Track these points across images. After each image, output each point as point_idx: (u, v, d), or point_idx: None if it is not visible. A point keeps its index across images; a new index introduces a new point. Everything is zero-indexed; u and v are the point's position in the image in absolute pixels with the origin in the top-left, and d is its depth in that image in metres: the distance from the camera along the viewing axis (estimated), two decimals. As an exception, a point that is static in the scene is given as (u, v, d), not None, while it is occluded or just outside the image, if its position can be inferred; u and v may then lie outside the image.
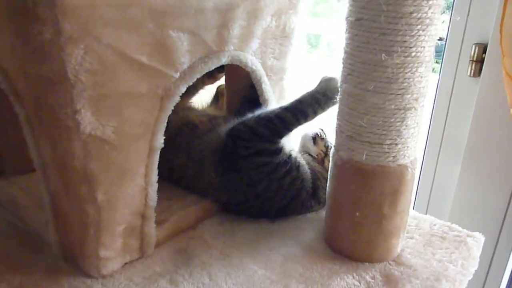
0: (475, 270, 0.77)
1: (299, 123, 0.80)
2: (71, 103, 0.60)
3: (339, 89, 0.70)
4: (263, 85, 0.87)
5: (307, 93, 0.81)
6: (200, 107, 1.07)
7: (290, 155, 0.82)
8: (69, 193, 0.68)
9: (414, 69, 0.63)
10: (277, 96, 0.93)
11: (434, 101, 1.09)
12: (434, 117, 1.10)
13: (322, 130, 0.92)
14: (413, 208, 1.12)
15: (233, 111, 0.96)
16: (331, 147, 0.86)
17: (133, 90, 0.65)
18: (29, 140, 0.69)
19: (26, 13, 0.57)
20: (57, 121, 0.62)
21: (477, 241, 0.81)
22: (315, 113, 0.80)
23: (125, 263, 0.73)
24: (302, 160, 0.85)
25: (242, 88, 0.95)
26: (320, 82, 0.83)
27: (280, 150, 0.81)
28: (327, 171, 0.80)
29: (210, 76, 1.05)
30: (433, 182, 1.13)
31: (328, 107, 0.80)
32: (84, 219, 0.67)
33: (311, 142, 0.91)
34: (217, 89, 1.18)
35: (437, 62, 1.17)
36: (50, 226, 0.73)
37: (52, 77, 0.60)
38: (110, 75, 0.62)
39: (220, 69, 0.98)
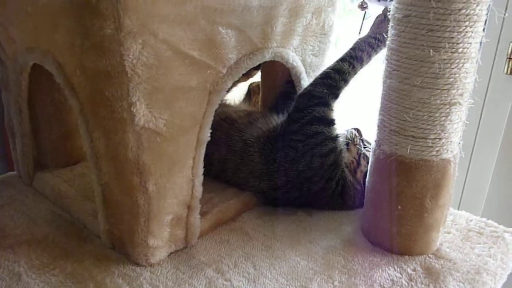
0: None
1: (355, 71, 0.82)
2: (127, 96, 0.63)
3: (383, 83, 0.71)
4: (302, 82, 0.89)
5: (359, 39, 0.84)
6: (233, 104, 1.09)
7: (338, 136, 0.84)
8: (120, 183, 0.70)
9: (461, 65, 0.64)
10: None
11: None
12: (469, 114, 1.10)
13: (357, 130, 0.90)
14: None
15: (268, 107, 0.98)
16: (363, 154, 0.86)
17: (185, 84, 0.68)
18: (83, 132, 0.71)
19: (87, 9, 0.60)
20: (113, 113, 0.65)
21: (514, 237, 0.82)
22: (369, 57, 0.83)
23: (171, 253, 0.75)
24: (344, 148, 0.86)
25: (278, 85, 0.97)
26: (372, 25, 0.85)
27: (333, 121, 0.83)
28: (358, 183, 0.82)
29: (245, 73, 1.07)
30: (466, 178, 1.14)
31: (381, 49, 0.83)
32: (135, 209, 0.69)
33: (345, 147, 0.87)
34: (249, 86, 1.20)
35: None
36: (100, 216, 0.75)
37: (110, 70, 0.62)
38: (164, 69, 0.64)
39: (256, 66, 1.00)
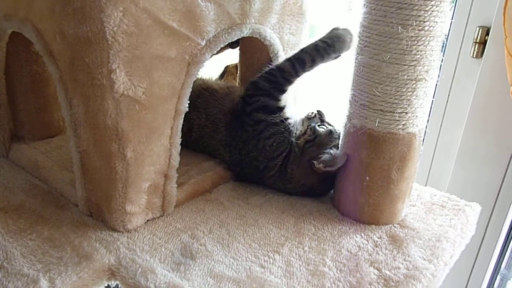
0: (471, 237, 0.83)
1: (297, 73, 0.85)
2: (107, 62, 0.64)
3: (355, 59, 0.74)
4: (279, 59, 0.92)
5: (311, 42, 0.86)
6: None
7: (284, 119, 0.87)
8: (99, 150, 0.72)
9: (427, 43, 0.68)
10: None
11: (438, 80, 1.15)
12: (437, 95, 1.16)
13: (319, 112, 0.92)
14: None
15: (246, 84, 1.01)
16: (312, 127, 0.87)
17: (164, 54, 0.69)
18: (62, 99, 0.72)
19: (68, -25, 0.61)
20: (92, 80, 0.66)
21: (474, 210, 0.87)
22: (313, 61, 0.85)
23: (148, 220, 0.77)
24: (295, 130, 0.88)
25: (256, 63, 0.99)
26: (328, 32, 0.87)
27: (277, 109, 0.87)
28: (302, 152, 0.85)
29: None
30: (433, 156, 1.19)
31: (329, 56, 0.85)
32: (112, 175, 0.71)
33: (301, 121, 0.90)
34: (226, 67, 1.22)
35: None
36: (78, 183, 0.76)
37: (90, 37, 0.63)
38: (144, 38, 0.66)
39: (235, 42, 1.02)
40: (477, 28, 1.05)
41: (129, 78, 0.66)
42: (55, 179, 0.85)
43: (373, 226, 0.79)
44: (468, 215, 0.85)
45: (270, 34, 0.86)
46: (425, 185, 0.97)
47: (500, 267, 1.27)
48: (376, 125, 0.73)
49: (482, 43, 1.05)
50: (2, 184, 0.87)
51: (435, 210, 0.86)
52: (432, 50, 0.69)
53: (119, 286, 0.68)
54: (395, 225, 0.80)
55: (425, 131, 0.79)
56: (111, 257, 0.68)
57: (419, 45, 0.67)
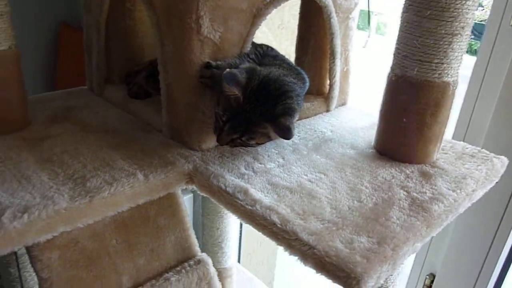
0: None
1: None
2: (196, 10, 0.81)
3: (401, 17, 0.87)
4: (332, 20, 1.05)
5: None
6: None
7: None
8: (182, 83, 0.89)
9: (464, 2, 0.79)
10: (342, 33, 1.10)
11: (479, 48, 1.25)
12: (476, 64, 1.25)
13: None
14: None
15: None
16: None
17: (238, 6, 0.85)
18: (156, 40, 0.90)
19: None
20: (183, 24, 0.83)
21: (502, 161, 0.97)
22: None
23: (217, 145, 0.94)
24: None
25: (314, 25, 1.13)
26: None
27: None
28: None
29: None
30: (470, 120, 1.28)
31: None
32: (193, 104, 0.88)
33: None
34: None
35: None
36: (163, 111, 0.94)
37: (185, -12, 0.80)
38: (226, -9, 0.82)
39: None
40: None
41: (211, 23, 0.83)
42: (141, 111, 1.04)
43: (407, 164, 0.92)
44: (495, 164, 0.95)
45: (325, -4, 1.00)
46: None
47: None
48: (415, 73, 0.85)
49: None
50: (100, 114, 1.07)
51: (465, 158, 0.97)
52: (468, 9, 0.80)
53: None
54: (426, 165, 0.92)
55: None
56: (189, 165, 0.85)
57: (456, 3, 0.79)
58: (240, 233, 1.88)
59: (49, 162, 0.83)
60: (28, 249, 0.74)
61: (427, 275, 1.48)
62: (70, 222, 0.71)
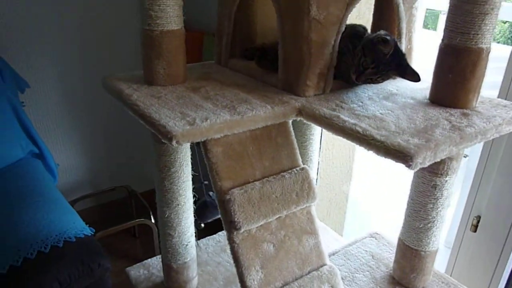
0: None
1: None
2: (308, 0, 1.24)
3: (449, 4, 1.24)
4: (399, 9, 1.44)
5: None
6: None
7: None
8: (296, 50, 1.32)
9: (493, -10, 1.15)
10: (407, 19, 1.49)
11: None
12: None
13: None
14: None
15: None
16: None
17: (336, -3, 1.27)
18: (278, 22, 1.34)
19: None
20: (298, 9, 1.27)
21: (528, 111, 1.31)
22: None
23: (315, 94, 1.36)
24: None
25: (385, 13, 1.52)
26: None
27: None
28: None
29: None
30: (510, 85, 1.61)
31: None
32: (301, 63, 1.32)
33: None
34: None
35: None
36: (280, 70, 1.38)
37: (301, -15, 1.24)
38: (328, -13, 1.24)
39: None
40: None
41: (317, 8, 1.26)
42: (259, 74, 1.50)
43: (452, 108, 1.28)
44: (523, 111, 1.29)
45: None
46: (497, 98, 1.41)
47: None
48: (457, 41, 1.22)
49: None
50: (229, 77, 1.53)
51: (498, 107, 1.31)
52: (496, -5, 1.16)
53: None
54: (467, 109, 1.28)
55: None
56: (298, 103, 1.29)
57: (487, -8, 1.16)
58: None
59: (209, 99, 1.30)
60: (205, 145, 1.21)
61: (474, 216, 1.80)
62: (231, 128, 1.17)
